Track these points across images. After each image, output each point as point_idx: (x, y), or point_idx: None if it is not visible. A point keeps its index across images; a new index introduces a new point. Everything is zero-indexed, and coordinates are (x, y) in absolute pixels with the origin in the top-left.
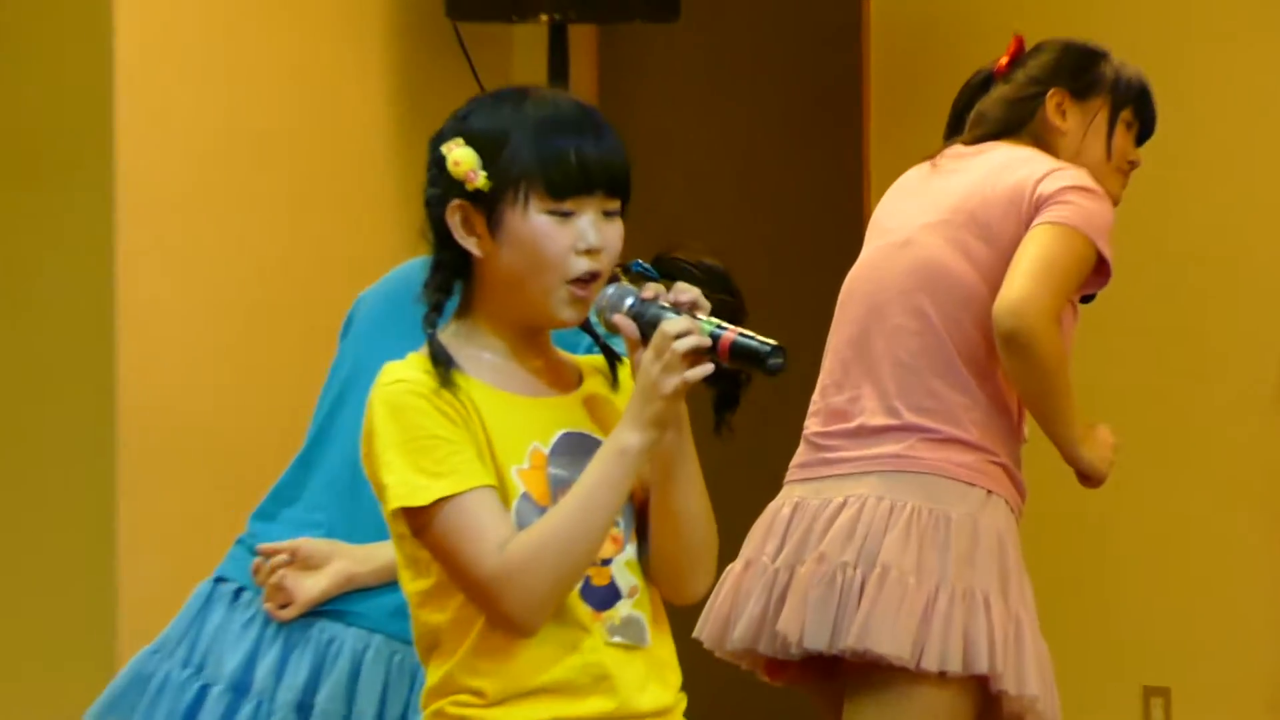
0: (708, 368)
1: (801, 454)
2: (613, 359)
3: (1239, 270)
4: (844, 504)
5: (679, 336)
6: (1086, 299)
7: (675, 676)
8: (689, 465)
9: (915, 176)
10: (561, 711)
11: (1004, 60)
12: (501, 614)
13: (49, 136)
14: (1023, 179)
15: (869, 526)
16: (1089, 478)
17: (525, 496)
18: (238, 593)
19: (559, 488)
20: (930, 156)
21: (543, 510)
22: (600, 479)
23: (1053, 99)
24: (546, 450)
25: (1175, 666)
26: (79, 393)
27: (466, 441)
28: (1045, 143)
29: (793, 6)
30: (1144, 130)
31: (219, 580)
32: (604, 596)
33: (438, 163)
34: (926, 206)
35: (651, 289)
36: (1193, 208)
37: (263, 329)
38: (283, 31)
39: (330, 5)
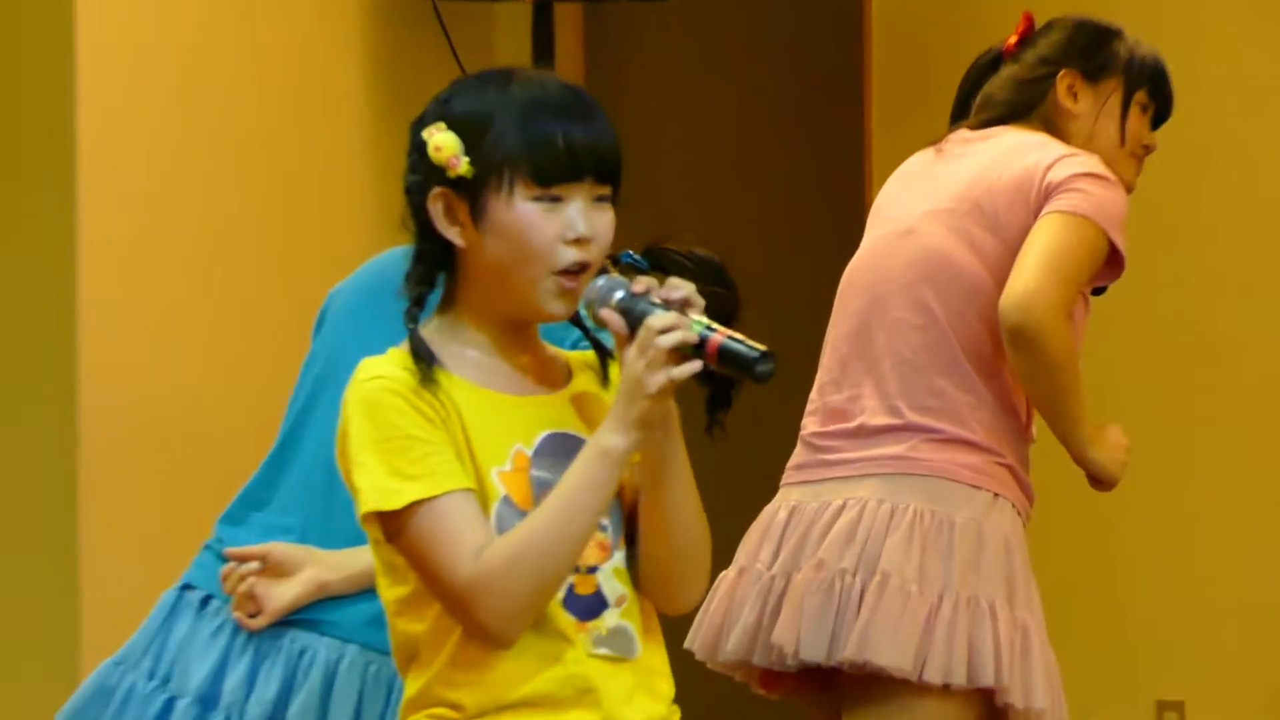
0: (695, 365)
1: (798, 455)
2: (603, 354)
3: (1255, 263)
4: (843, 507)
5: (664, 331)
6: (1098, 291)
7: (667, 688)
8: (679, 467)
9: (919, 162)
10: None
11: (1013, 39)
12: (476, 624)
13: (7, 131)
14: (1031, 165)
15: (869, 531)
16: (1100, 480)
17: (506, 500)
18: (205, 601)
19: (542, 491)
20: (935, 141)
21: (524, 514)
22: (581, 482)
23: (1063, 80)
24: (530, 451)
25: (1190, 679)
26: (38, 392)
27: (444, 442)
28: (1056, 127)
29: None
30: (1160, 113)
31: (185, 588)
32: (589, 606)
33: (418, 148)
34: (930, 194)
35: (643, 283)
36: (1207, 196)
37: (232, 324)
38: (253, 10)
39: None
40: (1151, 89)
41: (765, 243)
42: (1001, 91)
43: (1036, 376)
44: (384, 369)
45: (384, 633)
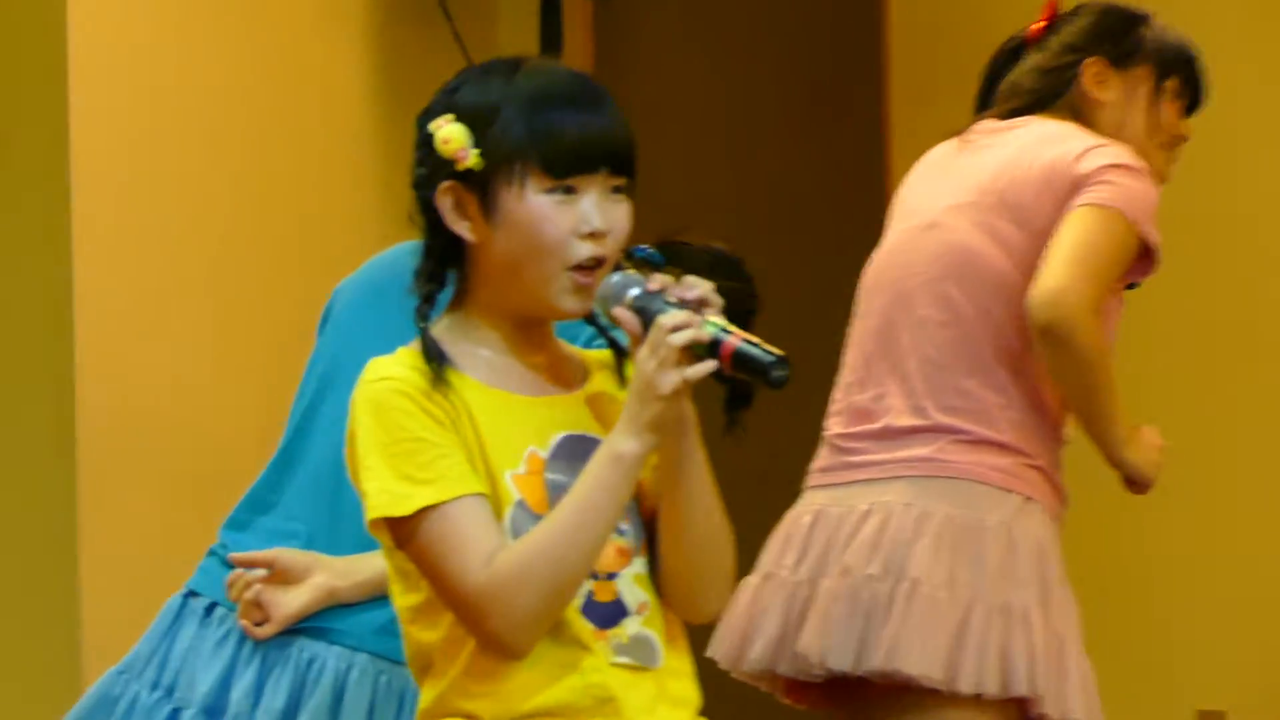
0: (709, 365)
1: (823, 457)
2: (619, 352)
3: None
4: (869, 512)
5: (675, 330)
6: (1131, 286)
7: (694, 698)
8: (697, 470)
9: (942, 154)
10: None
11: (1038, 25)
12: (488, 634)
13: (1, 130)
14: (1059, 157)
15: (896, 536)
16: (1135, 482)
17: (520, 504)
18: (210, 608)
19: (558, 494)
20: (959, 132)
21: (539, 518)
22: (594, 488)
23: (1091, 68)
24: (544, 454)
25: (1232, 688)
26: (36, 393)
27: (454, 445)
28: (1083, 116)
29: None
30: (1192, 101)
31: (190, 595)
32: (608, 613)
33: (426, 141)
34: (954, 187)
35: (658, 280)
36: (1244, 186)
37: (234, 322)
38: (254, 1)
39: None
40: (1182, 76)
41: (782, 237)
42: (1027, 80)
43: (1068, 375)
44: (392, 369)
45: (395, 641)
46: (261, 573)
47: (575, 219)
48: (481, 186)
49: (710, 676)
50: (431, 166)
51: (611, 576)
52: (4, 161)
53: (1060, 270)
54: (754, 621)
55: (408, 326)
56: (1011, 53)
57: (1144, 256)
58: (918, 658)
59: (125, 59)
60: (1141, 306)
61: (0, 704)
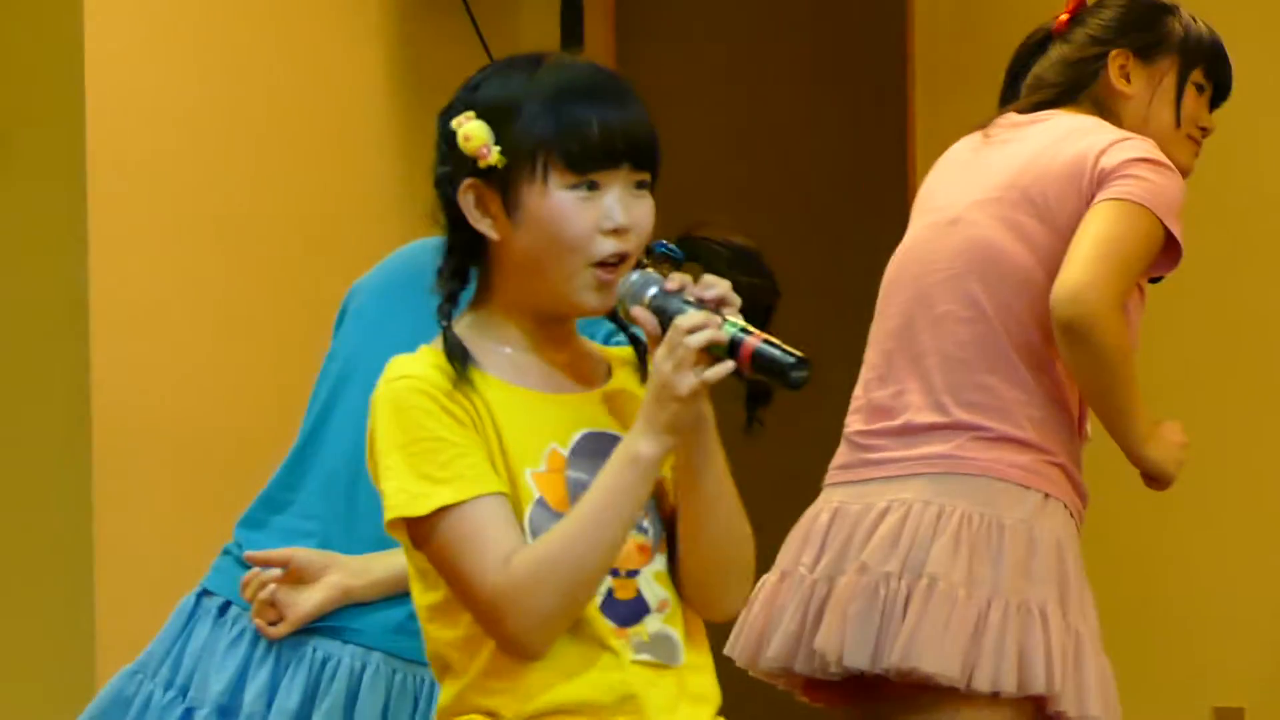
0: (727, 366)
1: (842, 454)
2: (641, 349)
3: None
4: (887, 509)
5: (692, 331)
6: (1154, 280)
7: (714, 696)
8: (715, 470)
9: (965, 148)
10: None
11: (1063, 17)
12: (505, 635)
13: (17, 128)
14: (1083, 151)
15: (915, 534)
16: (1156, 479)
17: (540, 502)
18: (224, 608)
19: (578, 492)
20: (982, 125)
21: (559, 517)
22: (612, 489)
23: (1115, 60)
24: (566, 452)
25: (1249, 685)
26: (51, 393)
27: (474, 444)
28: (1108, 109)
29: None
30: (1218, 93)
31: (204, 594)
32: (629, 611)
33: (447, 138)
34: (977, 182)
35: (677, 279)
36: (1269, 180)
37: (251, 321)
38: None
39: None
40: (1208, 68)
41: (804, 233)
42: (1051, 73)
43: (1089, 371)
44: (413, 368)
45: (410, 640)
46: (276, 572)
47: (598, 215)
48: (503, 183)
49: (728, 675)
50: (453, 164)
51: (632, 574)
52: (20, 162)
53: (1084, 266)
54: (771, 619)
55: (424, 324)
56: (1036, 46)
57: (1168, 251)
58: (935, 656)
59: (142, 57)
60: (1163, 301)
61: (16, 704)
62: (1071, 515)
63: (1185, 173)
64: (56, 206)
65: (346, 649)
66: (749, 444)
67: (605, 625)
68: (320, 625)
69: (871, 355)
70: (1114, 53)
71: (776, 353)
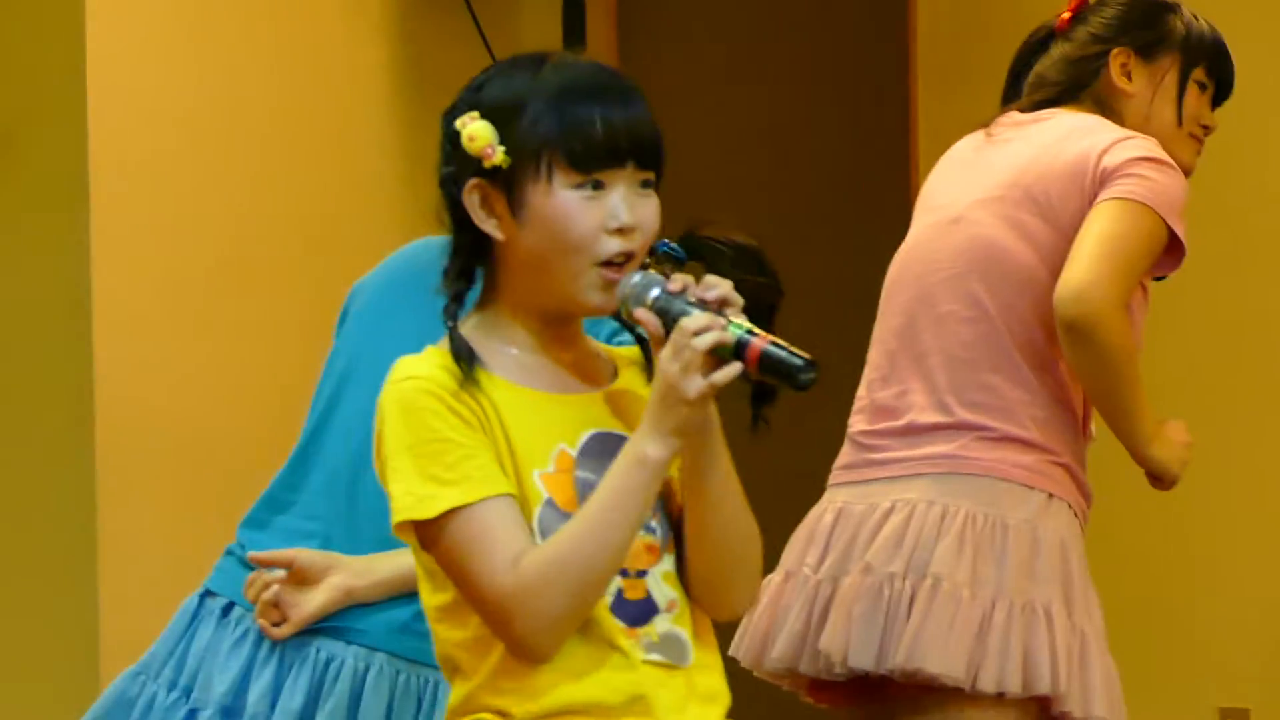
0: (735, 368)
1: (846, 454)
2: (646, 348)
3: None
4: (891, 509)
5: (698, 333)
6: (1158, 279)
7: (724, 696)
8: (721, 472)
9: (968, 147)
10: None
11: (1065, 15)
12: (514, 636)
13: (19, 128)
14: (1085, 150)
15: (919, 534)
16: (1160, 479)
17: (549, 503)
18: (227, 608)
19: (587, 492)
20: (984, 124)
21: (568, 518)
22: (619, 491)
23: (1117, 59)
24: (574, 452)
25: (1255, 686)
26: (54, 394)
27: (482, 446)
28: (1110, 107)
29: None
30: (1220, 91)
31: (207, 594)
32: (638, 611)
33: (451, 139)
34: (979, 181)
35: (679, 280)
36: (1270, 177)
37: (254, 322)
38: None
39: None
40: (1210, 66)
41: (806, 232)
42: (1053, 71)
43: (1093, 371)
44: (419, 369)
45: (413, 640)
46: (280, 573)
47: (603, 214)
48: (508, 183)
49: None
50: (458, 164)
51: (641, 574)
52: (22, 161)
53: (1087, 265)
54: (776, 620)
55: (426, 323)
56: (1038, 44)
57: (1171, 250)
58: (939, 656)
59: (144, 56)
60: (1166, 300)
61: (20, 705)
62: (1076, 515)
63: (1187, 171)
64: (58, 206)
65: (350, 650)
66: (753, 443)
67: (615, 625)
68: (324, 626)
69: (874, 355)
70: (1116, 51)
71: (785, 355)
